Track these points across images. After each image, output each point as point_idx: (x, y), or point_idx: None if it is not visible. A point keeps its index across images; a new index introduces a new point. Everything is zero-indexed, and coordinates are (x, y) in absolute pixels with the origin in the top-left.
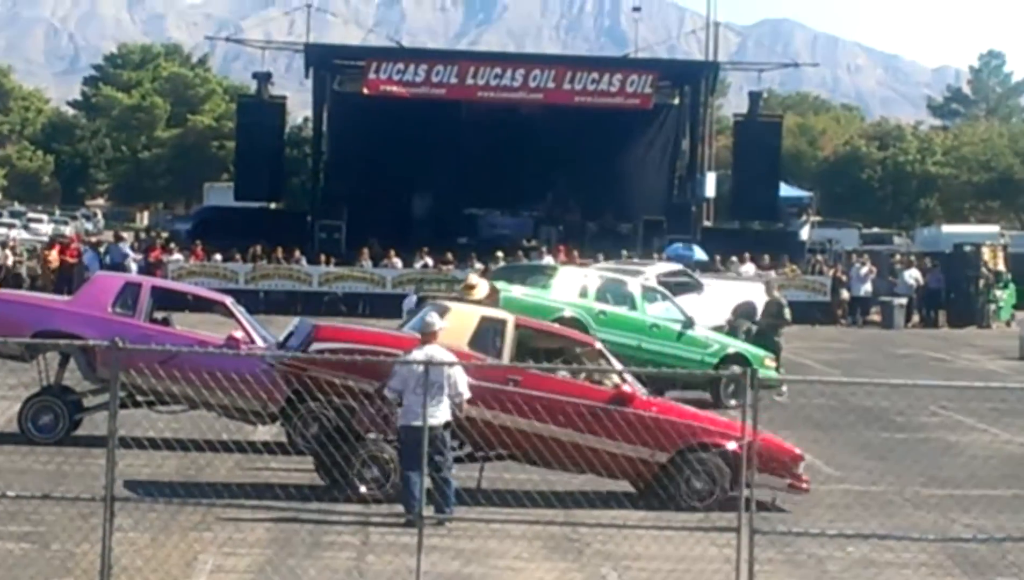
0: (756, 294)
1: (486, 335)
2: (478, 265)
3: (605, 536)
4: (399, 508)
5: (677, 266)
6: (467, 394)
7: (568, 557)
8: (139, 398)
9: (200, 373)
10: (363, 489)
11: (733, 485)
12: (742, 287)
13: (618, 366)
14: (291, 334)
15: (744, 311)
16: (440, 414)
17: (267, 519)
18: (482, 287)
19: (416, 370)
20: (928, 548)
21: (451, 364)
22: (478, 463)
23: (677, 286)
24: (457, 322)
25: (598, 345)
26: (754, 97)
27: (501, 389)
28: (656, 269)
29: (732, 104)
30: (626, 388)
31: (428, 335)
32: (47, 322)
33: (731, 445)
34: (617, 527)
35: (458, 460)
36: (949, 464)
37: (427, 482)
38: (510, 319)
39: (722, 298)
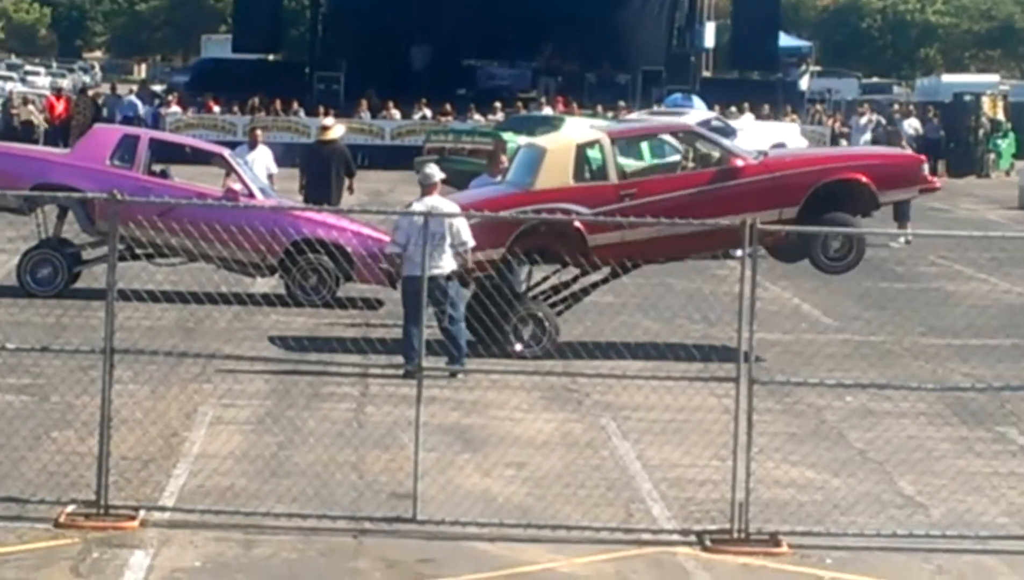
0: (787, 135)
1: (587, 162)
2: (477, 116)
3: (604, 386)
4: (399, 359)
5: (711, 113)
6: (471, 242)
7: (567, 407)
8: (138, 251)
9: (199, 225)
10: (518, 347)
11: (875, 207)
12: (773, 128)
13: (722, 141)
14: None
15: None
16: (444, 264)
17: (266, 371)
18: (336, 128)
19: (418, 222)
20: (926, 397)
21: (452, 215)
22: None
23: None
24: (556, 161)
25: (694, 126)
26: None
27: (619, 207)
28: (691, 118)
29: None
30: (736, 161)
31: (428, 187)
32: (45, 175)
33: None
34: (616, 377)
35: (597, 284)
36: (948, 314)
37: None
38: (603, 137)
39: (754, 143)
